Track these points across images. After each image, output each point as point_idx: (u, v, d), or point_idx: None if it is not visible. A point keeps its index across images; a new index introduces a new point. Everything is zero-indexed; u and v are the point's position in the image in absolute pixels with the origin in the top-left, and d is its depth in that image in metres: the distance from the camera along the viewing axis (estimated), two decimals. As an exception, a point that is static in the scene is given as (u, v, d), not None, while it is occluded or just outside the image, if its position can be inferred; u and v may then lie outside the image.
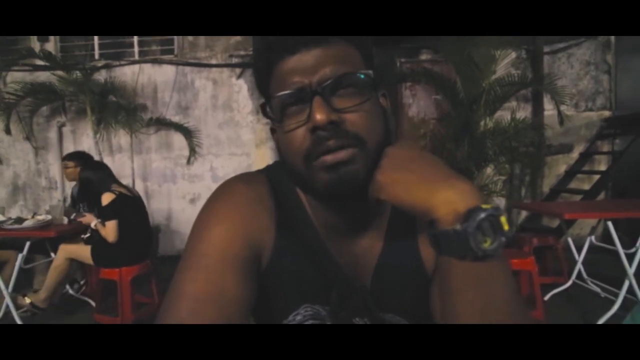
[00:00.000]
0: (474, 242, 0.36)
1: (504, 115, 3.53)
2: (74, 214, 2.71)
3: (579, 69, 4.16)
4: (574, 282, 2.77)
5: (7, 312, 2.47)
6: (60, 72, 3.90)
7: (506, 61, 3.47)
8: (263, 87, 0.51)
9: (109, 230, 2.33)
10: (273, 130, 0.53)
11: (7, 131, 4.10)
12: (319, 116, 0.43)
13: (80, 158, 2.83)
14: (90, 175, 2.45)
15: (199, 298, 0.43)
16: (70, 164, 2.80)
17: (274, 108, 0.48)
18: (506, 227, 0.37)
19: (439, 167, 0.43)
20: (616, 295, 2.34)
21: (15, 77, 4.24)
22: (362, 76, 0.47)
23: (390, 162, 0.45)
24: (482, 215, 0.36)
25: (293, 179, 0.53)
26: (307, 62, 0.46)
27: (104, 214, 2.36)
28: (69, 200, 3.34)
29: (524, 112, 4.04)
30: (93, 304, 2.76)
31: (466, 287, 0.40)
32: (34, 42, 4.28)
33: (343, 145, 0.45)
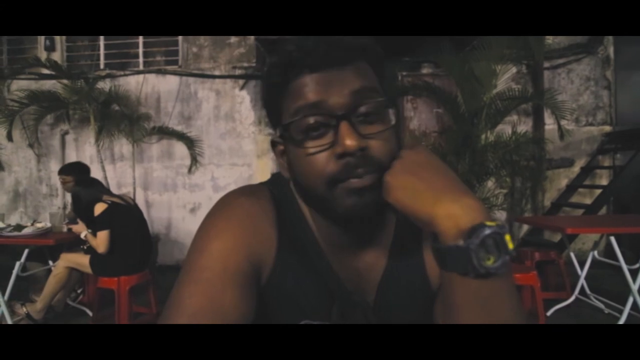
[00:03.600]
0: (477, 260, 0.36)
1: (504, 129, 3.55)
2: (66, 220, 2.68)
3: (579, 85, 4.20)
4: (577, 298, 2.73)
5: (3, 319, 2.44)
6: (65, 81, 3.95)
7: (507, 76, 3.51)
8: (272, 102, 0.49)
9: (100, 240, 2.31)
10: (274, 144, 0.52)
11: (10, 138, 4.12)
12: (349, 142, 0.43)
13: (77, 171, 2.74)
14: (81, 191, 2.43)
15: (198, 313, 0.42)
16: (68, 178, 2.76)
17: (293, 128, 0.46)
18: (511, 246, 0.36)
19: (448, 177, 0.42)
20: (620, 312, 2.31)
21: (21, 85, 4.29)
22: (384, 100, 0.47)
23: (401, 166, 0.44)
24: (486, 232, 0.36)
25: (306, 200, 0.52)
26: (330, 81, 0.45)
27: (96, 224, 2.34)
28: (69, 207, 3.33)
29: (525, 126, 4.06)
30: (90, 313, 2.73)
31: (467, 303, 0.39)
32: (41, 52, 4.34)
33: (369, 172, 0.45)
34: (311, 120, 0.45)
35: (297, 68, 0.46)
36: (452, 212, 0.38)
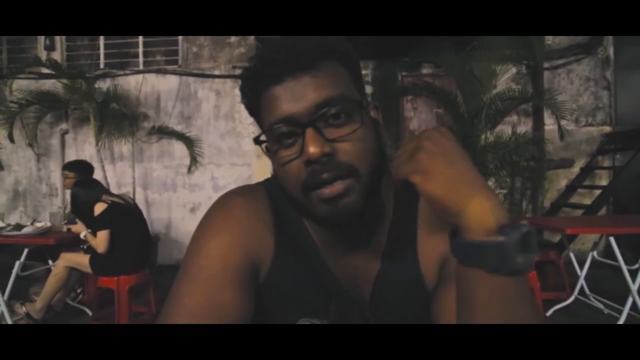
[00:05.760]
0: (513, 256, 0.36)
1: (504, 129, 3.55)
2: (65, 220, 2.68)
3: (578, 85, 4.20)
4: (576, 298, 2.73)
5: (2, 318, 2.44)
6: (65, 80, 3.95)
7: (507, 76, 3.51)
8: (253, 112, 0.51)
9: (99, 240, 2.31)
10: (268, 149, 0.53)
11: (11, 139, 4.11)
12: (313, 149, 0.43)
13: (81, 169, 2.78)
14: (80, 192, 2.43)
15: (196, 312, 0.42)
16: (71, 174, 2.77)
17: (268, 139, 0.48)
18: (536, 244, 0.37)
19: (475, 170, 0.41)
20: (619, 312, 2.31)
21: (21, 84, 4.29)
22: (353, 101, 0.46)
23: (433, 147, 0.41)
24: (525, 229, 0.36)
25: (292, 205, 0.53)
26: (296, 91, 0.45)
27: (96, 224, 2.34)
28: (69, 207, 3.32)
29: (525, 127, 4.06)
30: (89, 312, 2.73)
31: (492, 303, 0.38)
32: (41, 51, 4.34)
33: (338, 177, 0.44)
34: (281, 130, 0.46)
35: (264, 81, 0.46)
36: (485, 208, 0.38)
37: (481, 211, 0.38)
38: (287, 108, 0.45)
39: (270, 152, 0.48)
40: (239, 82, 0.53)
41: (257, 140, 0.49)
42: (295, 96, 0.45)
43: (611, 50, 4.16)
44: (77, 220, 2.53)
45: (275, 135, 0.46)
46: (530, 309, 0.39)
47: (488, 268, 0.37)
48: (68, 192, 3.46)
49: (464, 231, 0.38)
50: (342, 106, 0.45)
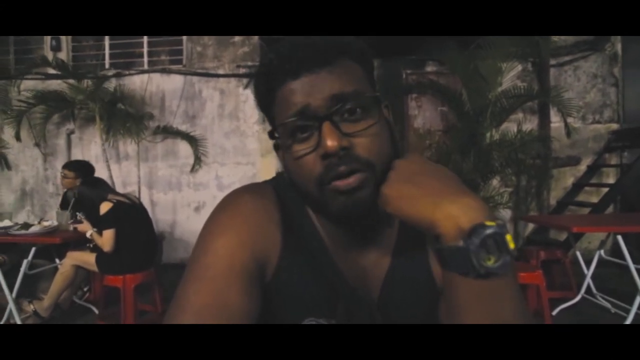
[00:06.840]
0: (477, 260, 0.36)
1: (510, 127, 3.52)
2: (71, 219, 2.70)
3: (585, 82, 4.16)
4: (583, 297, 2.71)
5: (11, 316, 2.47)
6: (71, 81, 3.98)
7: (512, 73, 3.49)
8: (265, 108, 0.51)
9: (105, 239, 2.33)
10: (276, 146, 0.52)
11: (18, 138, 4.16)
12: (330, 142, 0.43)
13: (81, 168, 2.80)
14: (86, 191, 2.45)
15: (203, 310, 0.42)
16: (70, 174, 2.80)
17: (282, 133, 0.48)
18: (512, 245, 0.36)
19: (446, 181, 0.42)
20: (627, 311, 2.29)
21: (28, 85, 4.32)
22: (369, 97, 0.47)
23: (397, 175, 0.44)
24: (487, 232, 0.36)
25: (304, 201, 0.53)
26: (313, 85, 0.45)
27: (102, 223, 2.36)
28: (66, 205, 3.32)
29: (531, 124, 4.03)
30: (96, 310, 2.75)
31: (469, 304, 0.39)
32: (47, 52, 4.37)
33: (355, 170, 0.45)
34: (296, 124, 0.46)
35: (280, 76, 0.47)
36: (451, 213, 0.39)
37: (449, 216, 0.39)
38: (303, 100, 0.45)
39: (283, 147, 0.49)
40: (244, 80, 0.53)
41: (272, 134, 0.49)
42: (312, 89, 0.45)
43: (619, 47, 4.12)
44: (82, 218, 2.55)
45: (290, 129, 0.47)
46: (512, 311, 0.39)
47: (459, 272, 0.38)
48: (65, 189, 3.40)
49: (441, 238, 0.39)
50: (359, 101, 0.46)
